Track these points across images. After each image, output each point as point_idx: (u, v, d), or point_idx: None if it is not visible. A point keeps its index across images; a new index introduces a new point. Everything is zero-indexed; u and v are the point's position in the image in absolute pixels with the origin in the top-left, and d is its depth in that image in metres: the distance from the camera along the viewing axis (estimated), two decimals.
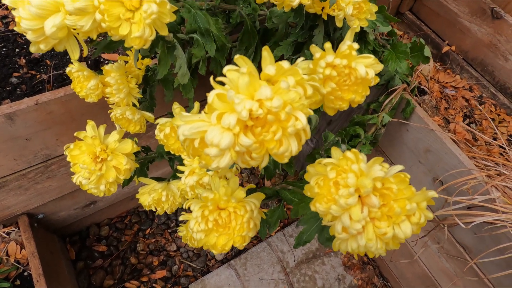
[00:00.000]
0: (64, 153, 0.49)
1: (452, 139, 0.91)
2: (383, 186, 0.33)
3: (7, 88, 0.89)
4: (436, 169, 0.87)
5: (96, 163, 0.47)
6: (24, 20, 0.35)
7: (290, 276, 1.21)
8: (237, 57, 0.29)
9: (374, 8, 0.62)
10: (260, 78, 0.30)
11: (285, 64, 0.28)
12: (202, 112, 0.29)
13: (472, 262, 0.76)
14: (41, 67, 0.98)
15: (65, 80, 0.95)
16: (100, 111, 0.80)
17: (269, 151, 0.29)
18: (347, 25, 0.65)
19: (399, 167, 0.35)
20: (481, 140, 1.01)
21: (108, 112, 0.62)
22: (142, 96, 0.61)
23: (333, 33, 0.73)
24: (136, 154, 0.57)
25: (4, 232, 0.87)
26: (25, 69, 0.96)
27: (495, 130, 1.04)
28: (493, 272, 0.81)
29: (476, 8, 1.05)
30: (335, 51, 0.77)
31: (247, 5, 0.67)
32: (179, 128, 0.28)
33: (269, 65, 0.28)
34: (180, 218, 0.40)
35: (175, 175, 0.58)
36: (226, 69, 0.29)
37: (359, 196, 0.32)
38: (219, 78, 0.28)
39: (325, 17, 0.61)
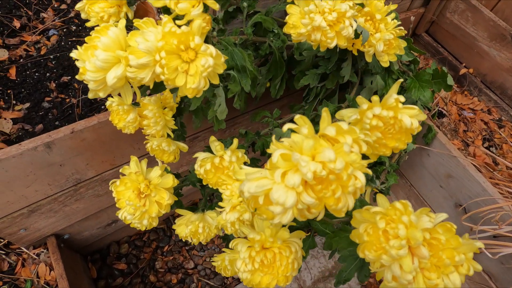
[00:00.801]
0: (110, 188, 0.51)
1: (473, 164, 0.92)
2: (431, 236, 0.34)
3: (40, 113, 0.93)
4: (458, 194, 0.87)
5: (140, 199, 0.49)
6: (89, 72, 0.38)
7: None
8: (298, 117, 0.31)
9: (403, 43, 0.64)
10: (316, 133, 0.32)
11: (344, 125, 0.30)
12: (264, 168, 0.31)
13: None
14: (70, 90, 1.02)
15: (93, 104, 0.99)
16: (128, 135, 0.83)
17: (327, 206, 0.30)
18: (375, 57, 0.67)
19: (444, 216, 0.36)
20: (502, 164, 1.02)
21: (144, 142, 0.64)
22: (177, 128, 0.64)
23: (359, 63, 0.75)
24: None
25: (34, 253, 0.89)
26: (55, 93, 0.99)
27: None
28: None
29: (495, 33, 1.06)
30: (359, 79, 0.78)
31: (277, 38, 0.70)
32: (244, 185, 0.30)
33: (330, 127, 0.30)
34: (215, 260, 0.42)
35: (210, 206, 0.60)
36: (287, 127, 0.31)
37: (409, 247, 0.33)
38: (285, 140, 0.30)
39: (355, 53, 0.63)
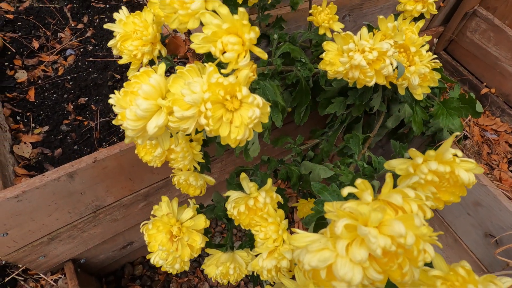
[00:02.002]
0: (141, 230, 0.49)
1: (504, 192, 0.89)
2: None
3: (59, 137, 0.92)
4: (488, 224, 0.84)
5: (172, 243, 0.47)
6: (129, 121, 0.36)
7: None
8: (359, 183, 0.29)
9: (437, 75, 0.62)
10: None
11: (410, 193, 0.28)
12: (326, 235, 0.29)
13: None
14: (87, 112, 1.01)
15: (111, 128, 0.97)
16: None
17: (391, 279, 0.28)
18: (408, 90, 0.65)
19: (509, 282, 0.34)
20: None
21: (170, 176, 0.62)
22: (204, 161, 0.62)
23: (386, 90, 0.73)
24: None
25: (52, 279, 0.87)
26: (73, 115, 0.98)
27: None
28: None
29: None
30: (385, 106, 0.76)
31: (305, 67, 0.68)
32: (304, 257, 0.28)
33: (395, 195, 0.28)
34: None
35: (241, 245, 0.58)
36: (347, 191, 0.29)
37: None
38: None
39: (388, 86, 0.61)
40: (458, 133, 0.36)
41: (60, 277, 0.88)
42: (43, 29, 1.17)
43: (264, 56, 0.35)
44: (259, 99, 0.35)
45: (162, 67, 0.39)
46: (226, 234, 0.64)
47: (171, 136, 0.44)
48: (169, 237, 0.47)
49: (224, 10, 0.34)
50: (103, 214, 0.87)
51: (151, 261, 0.48)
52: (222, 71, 0.36)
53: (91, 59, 1.14)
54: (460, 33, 1.21)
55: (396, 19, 0.61)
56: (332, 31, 0.61)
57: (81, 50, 1.16)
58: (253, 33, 0.34)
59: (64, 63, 1.12)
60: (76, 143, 0.92)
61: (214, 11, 0.36)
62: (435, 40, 0.88)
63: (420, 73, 0.58)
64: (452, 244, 0.99)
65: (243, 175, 0.55)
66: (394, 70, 0.55)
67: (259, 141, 0.70)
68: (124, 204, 0.90)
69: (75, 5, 1.26)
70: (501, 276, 0.34)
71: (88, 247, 0.94)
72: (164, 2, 0.38)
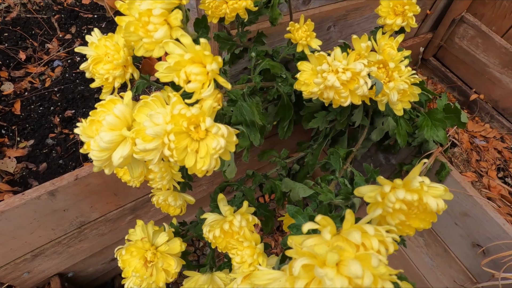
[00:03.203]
0: (115, 256, 0.49)
1: (489, 198, 0.89)
2: None
3: (44, 151, 0.91)
4: (475, 234, 0.84)
5: (147, 268, 0.46)
6: (94, 152, 0.36)
7: None
8: (320, 219, 0.28)
9: (417, 90, 0.61)
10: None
11: (370, 230, 0.28)
12: (284, 272, 0.28)
13: None
14: (74, 125, 1.00)
15: None
16: None
17: None
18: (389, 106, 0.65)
19: None
20: None
21: (150, 195, 0.62)
22: (184, 180, 0.61)
23: (366, 105, 0.72)
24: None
25: None
26: (59, 128, 0.98)
27: None
28: None
29: (507, 61, 1.04)
30: (369, 119, 0.76)
31: (286, 83, 0.68)
32: None
33: (354, 232, 0.27)
34: None
35: (219, 267, 0.57)
36: (307, 228, 0.28)
37: None
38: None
39: (368, 102, 0.61)
40: (426, 160, 0.36)
41: None
42: (30, 40, 1.16)
43: (227, 86, 0.35)
44: (223, 129, 0.35)
45: (128, 95, 0.38)
46: (208, 253, 0.63)
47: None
48: (143, 262, 0.47)
49: (187, 40, 0.34)
50: (88, 229, 0.86)
51: (125, 286, 0.47)
52: (187, 101, 0.35)
53: (78, 70, 1.13)
54: (448, 39, 1.21)
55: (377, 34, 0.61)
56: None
57: (69, 61, 1.15)
58: (215, 64, 0.33)
59: (52, 74, 1.11)
60: (62, 157, 0.91)
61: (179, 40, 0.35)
62: (421, 49, 0.88)
63: (399, 89, 0.57)
64: (442, 253, 0.98)
65: (220, 196, 0.55)
66: (371, 88, 0.55)
67: (249, 155, 0.70)
68: (110, 219, 0.89)
69: (62, 15, 1.26)
70: (484, 285, 0.33)
71: (75, 261, 0.93)
72: (128, 30, 0.37)
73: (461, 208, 0.85)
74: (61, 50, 1.17)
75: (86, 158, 0.92)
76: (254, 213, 0.74)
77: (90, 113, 0.38)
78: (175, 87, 0.37)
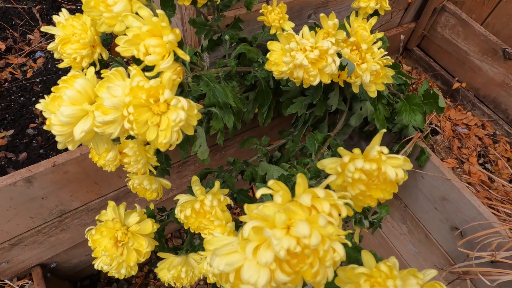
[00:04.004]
0: (85, 236, 0.49)
1: (469, 183, 0.90)
2: None
3: (24, 141, 0.90)
4: (454, 218, 0.85)
5: (117, 248, 0.46)
6: (55, 127, 0.36)
7: None
8: (272, 183, 0.29)
9: (391, 72, 0.62)
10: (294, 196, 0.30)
11: (320, 192, 0.28)
12: (238, 237, 0.29)
13: None
14: None
15: None
16: None
17: (305, 279, 0.28)
18: (363, 88, 0.65)
19: (432, 274, 0.34)
20: (498, 181, 1.00)
21: (126, 180, 0.62)
22: (159, 164, 0.61)
23: (346, 90, 0.73)
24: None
25: (18, 285, 0.86)
26: (40, 118, 0.97)
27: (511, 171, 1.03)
28: None
29: (486, 48, 1.05)
30: (347, 105, 0.76)
31: (262, 67, 0.68)
32: (213, 260, 0.28)
33: (304, 196, 0.28)
34: None
35: (194, 248, 0.57)
36: (260, 193, 0.29)
37: None
38: (256, 211, 0.28)
39: (341, 84, 0.61)
40: (384, 130, 0.36)
41: (28, 283, 0.87)
42: (11, 31, 1.15)
43: (186, 58, 0.35)
44: (183, 102, 0.35)
45: (91, 71, 0.38)
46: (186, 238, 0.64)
47: (120, 140, 0.43)
48: (113, 242, 0.47)
49: (145, 12, 0.34)
50: (70, 219, 0.86)
51: (95, 266, 0.47)
52: (147, 74, 0.35)
53: (61, 61, 1.12)
54: (431, 28, 1.22)
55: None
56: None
57: (51, 52, 1.14)
58: (171, 35, 0.33)
59: (33, 65, 1.10)
60: (42, 147, 0.90)
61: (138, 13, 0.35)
62: (402, 37, 0.88)
63: (372, 70, 0.58)
64: (423, 239, 1.00)
65: (194, 178, 0.55)
66: (342, 66, 0.55)
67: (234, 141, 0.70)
68: (92, 208, 0.89)
69: (44, 6, 1.24)
70: (428, 270, 0.34)
71: (57, 252, 0.93)
72: (89, 5, 0.37)
73: (440, 193, 0.87)
74: (43, 41, 1.16)
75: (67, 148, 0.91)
76: (234, 199, 0.74)
77: (52, 88, 0.38)
78: (137, 61, 0.37)
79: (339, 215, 0.29)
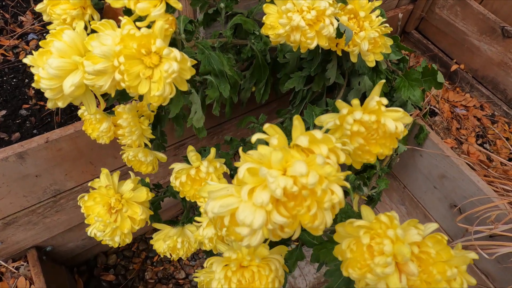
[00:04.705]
0: (78, 203, 0.48)
1: (467, 162, 0.90)
2: (420, 250, 0.31)
3: (17, 121, 0.89)
4: (453, 195, 0.85)
5: (111, 215, 0.45)
6: (44, 80, 0.35)
7: None
8: (267, 127, 0.28)
9: (389, 41, 0.61)
10: (290, 144, 0.29)
11: (317, 134, 0.27)
12: (232, 183, 0.28)
13: None
14: None
15: (73, 112, 0.95)
16: (109, 145, 0.79)
17: (302, 224, 0.27)
18: (361, 58, 0.64)
19: (434, 226, 0.33)
20: (496, 160, 0.99)
21: (120, 153, 0.61)
22: (154, 137, 0.60)
23: (345, 64, 0.72)
24: None
25: (13, 266, 0.85)
26: (34, 100, 0.95)
27: (510, 150, 1.03)
28: None
29: (485, 27, 1.04)
30: (346, 80, 0.75)
31: (259, 40, 0.66)
32: (208, 204, 0.27)
33: (301, 137, 0.27)
34: (197, 275, 0.39)
35: (190, 219, 0.56)
36: (255, 138, 0.28)
37: (396, 263, 0.31)
38: (251, 152, 0.27)
39: (339, 53, 0.60)
40: (384, 81, 0.35)
41: (23, 264, 0.86)
42: (1, 11, 1.12)
43: (177, 5, 0.34)
44: (176, 52, 0.34)
45: (80, 24, 0.37)
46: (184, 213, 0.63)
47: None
48: (107, 209, 0.45)
49: None
50: (65, 199, 0.85)
51: (88, 233, 0.46)
52: (138, 24, 0.34)
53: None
54: (429, 10, 1.20)
55: None
56: None
57: (44, 34, 1.12)
58: None
59: (26, 47, 1.08)
60: (36, 127, 0.89)
61: None
62: (400, 15, 0.87)
63: (370, 38, 0.57)
64: (422, 220, 0.99)
65: (189, 147, 0.54)
66: (340, 33, 0.54)
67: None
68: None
69: None
70: (429, 224, 0.33)
71: (52, 234, 0.92)
72: None
73: (439, 170, 0.86)
74: (36, 23, 1.14)
75: (61, 126, 0.90)
76: (232, 177, 0.73)
77: (40, 43, 0.37)
78: (128, 13, 0.36)
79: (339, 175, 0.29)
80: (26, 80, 0.99)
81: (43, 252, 0.94)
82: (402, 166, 0.97)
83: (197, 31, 0.57)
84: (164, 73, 0.33)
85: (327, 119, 0.36)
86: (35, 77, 0.37)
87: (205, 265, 0.39)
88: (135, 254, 1.25)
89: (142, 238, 1.27)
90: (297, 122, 0.28)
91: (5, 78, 0.98)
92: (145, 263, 1.24)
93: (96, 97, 0.41)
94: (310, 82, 0.75)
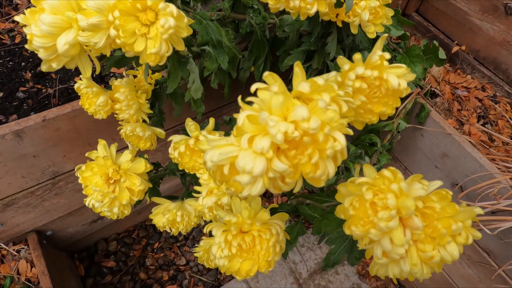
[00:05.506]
0: (76, 174, 0.47)
1: (470, 141, 0.89)
2: (425, 205, 0.31)
3: (14, 103, 0.88)
4: (455, 174, 0.84)
5: (109, 185, 0.45)
6: (36, 38, 0.34)
7: (304, 287, 1.18)
8: (266, 75, 0.27)
9: (390, 12, 0.60)
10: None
11: (319, 80, 0.26)
12: (231, 135, 0.27)
13: (501, 269, 0.73)
14: (47, 81, 0.97)
15: (71, 94, 0.94)
16: (107, 126, 0.78)
17: (304, 175, 0.27)
18: (361, 31, 0.63)
19: (439, 183, 0.33)
20: (498, 140, 0.99)
21: (118, 128, 0.60)
22: (152, 112, 0.59)
23: (345, 39, 0.71)
24: (148, 172, 0.54)
25: (14, 250, 0.85)
26: (31, 83, 0.94)
27: None
28: None
29: (487, 5, 1.02)
30: (346, 56, 0.74)
31: (257, 14, 0.65)
32: (206, 153, 0.26)
33: (303, 82, 0.26)
34: (201, 244, 0.38)
35: (189, 194, 0.56)
36: (256, 87, 0.27)
37: (400, 218, 0.30)
38: (250, 99, 0.26)
39: (339, 24, 0.59)
40: (386, 35, 0.34)
41: (23, 248, 0.86)
42: None
43: None
44: (172, 7, 0.33)
45: None
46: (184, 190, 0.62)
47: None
48: (105, 179, 0.45)
49: None
50: (63, 182, 0.84)
51: (86, 203, 0.45)
52: None
53: None
54: None
55: None
56: None
57: None
58: None
59: (22, 31, 1.07)
60: (33, 109, 0.88)
61: None
62: None
63: (371, 7, 0.56)
64: None
65: (188, 119, 0.53)
66: (340, 2, 0.53)
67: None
68: None
69: None
70: (434, 181, 0.32)
71: (52, 218, 0.92)
72: None
73: (440, 149, 0.85)
74: (31, 6, 1.12)
75: None
76: None
77: (32, 1, 0.36)
78: None
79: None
80: (23, 63, 0.98)
81: (43, 236, 0.94)
82: (404, 147, 0.97)
83: (195, 5, 0.56)
84: (161, 28, 0.32)
85: (330, 78, 0.35)
86: (28, 37, 0.36)
87: (205, 230, 0.38)
88: (135, 241, 1.24)
89: (143, 225, 1.27)
90: (298, 69, 0.27)
91: (1, 61, 0.96)
92: (145, 249, 1.24)
93: (92, 62, 0.40)
94: (310, 59, 0.74)
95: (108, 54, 0.35)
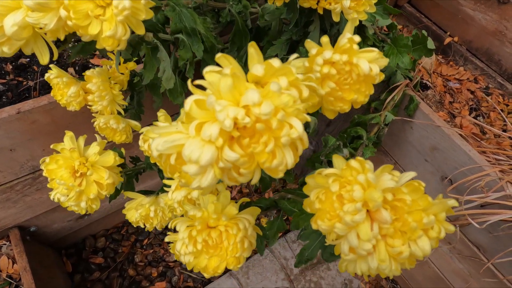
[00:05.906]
0: (40, 167, 0.45)
1: (460, 134, 0.87)
2: (395, 198, 0.29)
3: None
4: (444, 167, 0.82)
5: (75, 178, 0.43)
6: None
7: (295, 283, 1.17)
8: (219, 56, 0.25)
9: None
10: (247, 80, 0.26)
11: (275, 62, 0.24)
12: (179, 122, 0.25)
13: (489, 262, 0.72)
14: (29, 73, 0.94)
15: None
16: (87, 120, 0.76)
17: (260, 165, 0.25)
18: (345, 19, 0.61)
19: (411, 174, 0.31)
20: (490, 133, 0.97)
21: (92, 121, 0.58)
22: (127, 104, 0.57)
23: (329, 29, 0.68)
24: (122, 165, 0.52)
25: None
26: (11, 75, 0.92)
27: (504, 121, 1.00)
28: None
29: None
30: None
31: (237, 2, 0.63)
32: (153, 141, 0.24)
33: (257, 64, 0.24)
34: (166, 239, 0.36)
35: (164, 188, 0.54)
36: (206, 70, 0.25)
37: (367, 211, 0.28)
38: (199, 82, 0.24)
39: (320, 12, 0.57)
40: (355, 23, 0.32)
41: (5, 244, 0.84)
42: None
43: None
44: None
45: None
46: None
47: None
48: (71, 172, 0.43)
49: None
50: (44, 177, 0.82)
51: (51, 197, 0.44)
52: None
53: None
54: None
55: None
56: None
57: None
58: None
59: None
60: (13, 102, 0.85)
61: None
62: None
63: None
64: None
65: (161, 110, 0.51)
66: None
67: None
68: None
69: None
70: (407, 172, 0.30)
71: (36, 214, 0.90)
72: None
73: (430, 142, 0.83)
74: None
75: None
76: None
77: None
78: None
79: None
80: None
81: (27, 232, 0.92)
82: (393, 141, 0.95)
83: None
84: (115, 9, 0.30)
85: (297, 63, 0.33)
86: None
87: (170, 226, 0.37)
88: (124, 237, 1.23)
89: None
90: (253, 50, 0.25)
91: None
92: (134, 246, 1.22)
93: (50, 48, 0.38)
94: (294, 50, 0.72)
95: (62, 38, 0.33)
